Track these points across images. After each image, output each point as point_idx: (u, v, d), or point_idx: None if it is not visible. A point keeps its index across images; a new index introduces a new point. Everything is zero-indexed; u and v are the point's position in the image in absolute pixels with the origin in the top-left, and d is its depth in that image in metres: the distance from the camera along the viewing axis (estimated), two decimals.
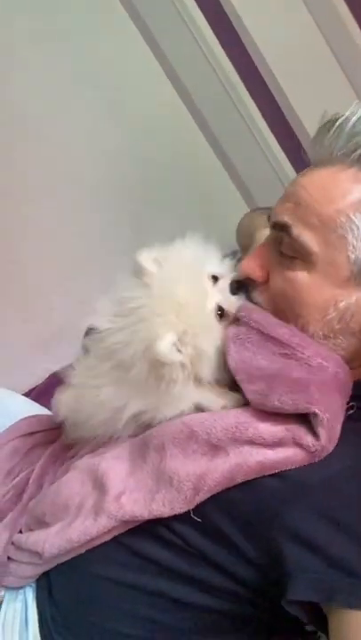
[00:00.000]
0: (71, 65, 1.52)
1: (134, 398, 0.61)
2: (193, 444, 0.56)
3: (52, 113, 1.55)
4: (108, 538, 0.59)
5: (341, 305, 0.56)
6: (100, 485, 0.60)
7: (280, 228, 0.59)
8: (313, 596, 0.47)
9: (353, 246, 0.55)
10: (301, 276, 0.58)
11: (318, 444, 0.52)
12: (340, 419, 0.54)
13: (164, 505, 0.55)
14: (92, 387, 0.64)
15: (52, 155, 1.58)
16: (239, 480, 0.53)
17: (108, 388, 0.62)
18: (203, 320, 0.61)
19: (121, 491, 0.58)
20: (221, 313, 0.63)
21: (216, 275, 0.65)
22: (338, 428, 0.54)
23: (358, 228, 0.54)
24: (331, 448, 0.53)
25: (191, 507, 0.54)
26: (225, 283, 0.64)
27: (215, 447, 0.55)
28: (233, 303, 0.63)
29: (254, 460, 0.53)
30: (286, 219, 0.58)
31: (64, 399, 0.68)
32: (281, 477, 0.53)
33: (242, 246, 0.97)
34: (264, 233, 0.69)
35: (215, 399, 0.61)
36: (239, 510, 0.54)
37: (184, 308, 0.59)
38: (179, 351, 0.58)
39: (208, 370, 0.60)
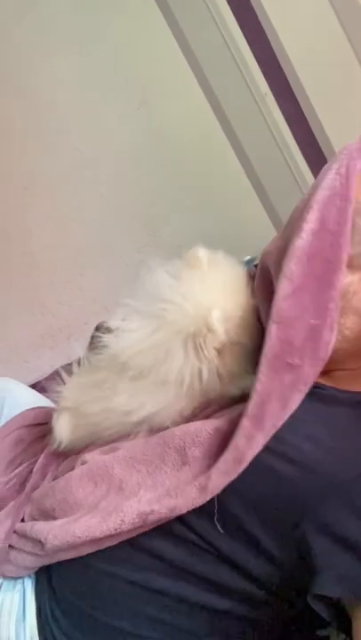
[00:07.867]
0: (102, 62, 1.53)
1: (150, 400, 0.62)
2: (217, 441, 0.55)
3: (74, 108, 1.56)
4: (115, 541, 0.58)
5: (344, 282, 0.55)
6: (116, 489, 0.59)
7: None
8: (340, 591, 0.47)
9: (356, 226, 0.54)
10: None
11: None
12: None
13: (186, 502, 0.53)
14: (95, 399, 0.66)
15: (71, 150, 1.58)
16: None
17: (120, 397, 0.64)
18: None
19: (138, 494, 0.57)
20: None
21: None
22: None
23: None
24: None
25: (209, 496, 0.53)
26: None
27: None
28: None
29: None
30: None
31: (63, 424, 0.69)
32: (302, 468, 0.51)
33: None
34: None
35: None
36: (264, 502, 0.53)
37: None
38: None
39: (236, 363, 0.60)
